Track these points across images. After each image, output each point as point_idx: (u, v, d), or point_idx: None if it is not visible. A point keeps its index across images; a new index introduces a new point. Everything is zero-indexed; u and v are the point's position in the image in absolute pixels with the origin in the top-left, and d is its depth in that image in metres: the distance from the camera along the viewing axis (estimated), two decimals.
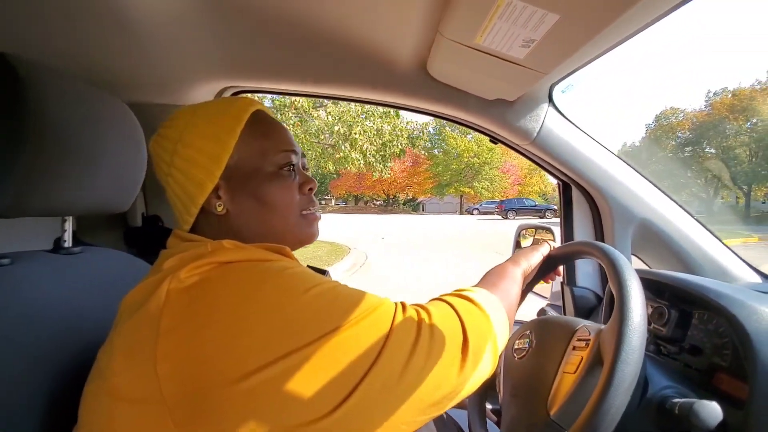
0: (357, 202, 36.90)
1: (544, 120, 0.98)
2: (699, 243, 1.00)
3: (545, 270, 0.69)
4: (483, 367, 0.46)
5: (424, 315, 0.44)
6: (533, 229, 1.41)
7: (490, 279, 0.59)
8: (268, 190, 0.52)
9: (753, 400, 0.52)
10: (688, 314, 0.68)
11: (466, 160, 28.58)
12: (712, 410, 0.45)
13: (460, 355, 0.44)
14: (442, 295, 0.52)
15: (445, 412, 0.75)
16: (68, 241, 0.65)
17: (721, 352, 0.63)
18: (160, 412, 0.36)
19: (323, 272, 0.61)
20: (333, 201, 37.40)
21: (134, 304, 0.41)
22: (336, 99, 1.07)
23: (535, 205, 23.14)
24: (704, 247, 0.99)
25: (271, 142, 0.53)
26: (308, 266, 0.58)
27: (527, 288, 0.67)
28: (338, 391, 0.37)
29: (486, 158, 27.99)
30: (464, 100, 0.97)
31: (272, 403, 0.36)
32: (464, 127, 1.12)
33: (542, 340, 0.63)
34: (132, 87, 0.94)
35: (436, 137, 30.05)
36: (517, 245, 1.38)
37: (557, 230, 1.24)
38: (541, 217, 21.05)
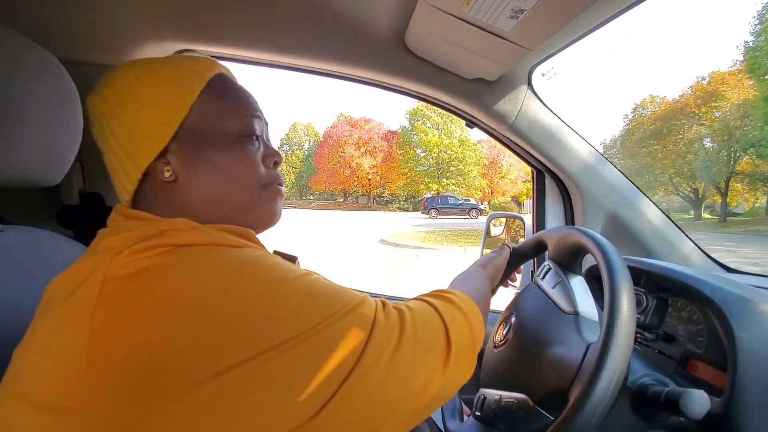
0: (346, 198, 36.39)
1: (523, 104, 0.96)
2: (664, 234, 1.02)
3: (510, 270, 0.73)
4: (465, 369, 0.44)
5: (406, 314, 0.41)
6: (503, 218, 1.42)
7: (461, 282, 0.59)
8: (228, 157, 0.45)
9: (734, 387, 0.52)
10: (665, 302, 0.68)
11: (435, 155, 27.96)
12: (701, 399, 0.44)
13: (444, 355, 0.41)
14: (421, 296, 0.49)
15: None
16: None
17: (695, 339, 0.63)
18: (90, 426, 0.29)
19: (292, 259, 0.54)
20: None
21: (61, 292, 0.34)
22: (302, 71, 0.99)
23: (460, 203, 22.60)
24: (669, 238, 1.02)
25: (234, 106, 0.47)
26: (275, 251, 0.52)
27: (493, 291, 0.69)
28: (315, 398, 0.32)
29: (456, 153, 27.43)
30: (442, 79, 0.92)
31: (234, 413, 0.30)
32: (440, 112, 1.07)
33: (523, 330, 0.60)
34: (67, 41, 0.81)
35: (411, 131, 29.41)
36: (488, 233, 1.37)
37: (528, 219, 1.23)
38: (473, 217, 20.75)
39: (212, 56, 0.96)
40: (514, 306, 0.67)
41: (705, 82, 20.48)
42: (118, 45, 0.84)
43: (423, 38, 0.82)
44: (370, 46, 0.89)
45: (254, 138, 0.47)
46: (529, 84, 0.95)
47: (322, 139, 35.61)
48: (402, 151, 29.67)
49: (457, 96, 0.95)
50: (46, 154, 0.57)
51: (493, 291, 0.69)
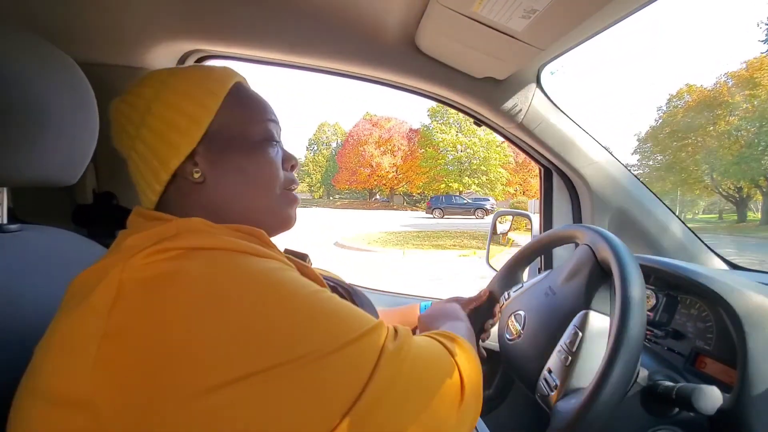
0: (371, 197, 36.06)
1: (531, 102, 0.96)
2: (672, 232, 1.02)
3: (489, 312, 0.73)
4: (474, 414, 0.43)
5: (415, 346, 0.40)
6: (509, 216, 1.42)
7: (442, 320, 0.59)
8: (253, 160, 0.47)
9: (744, 383, 0.53)
10: (674, 299, 0.69)
11: (455, 153, 27.23)
12: (714, 395, 0.45)
13: (458, 397, 0.40)
14: (427, 334, 0.48)
15: None
16: (2, 217, 0.56)
17: (704, 336, 0.64)
18: (95, 424, 0.29)
19: (303, 257, 0.55)
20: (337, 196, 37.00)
21: (81, 291, 0.34)
22: (312, 70, 0.99)
23: (465, 203, 21.66)
24: (677, 236, 1.02)
25: (255, 112, 0.49)
26: (286, 249, 0.53)
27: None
28: (316, 424, 0.32)
29: (478, 151, 26.33)
30: (452, 78, 0.93)
31: (235, 427, 0.30)
32: (453, 112, 1.07)
33: (536, 323, 0.61)
34: (82, 43, 0.82)
35: (432, 130, 28.62)
36: (494, 230, 1.38)
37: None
38: (479, 217, 20.15)
39: (223, 56, 0.98)
40: (522, 302, 0.68)
41: (745, 68, 17.99)
42: (132, 46, 0.84)
43: (434, 38, 0.82)
44: (380, 46, 0.90)
45: (275, 143, 0.50)
46: (538, 82, 0.96)
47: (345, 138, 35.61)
48: (423, 150, 29.12)
49: (466, 95, 0.95)
50: (65, 154, 0.57)
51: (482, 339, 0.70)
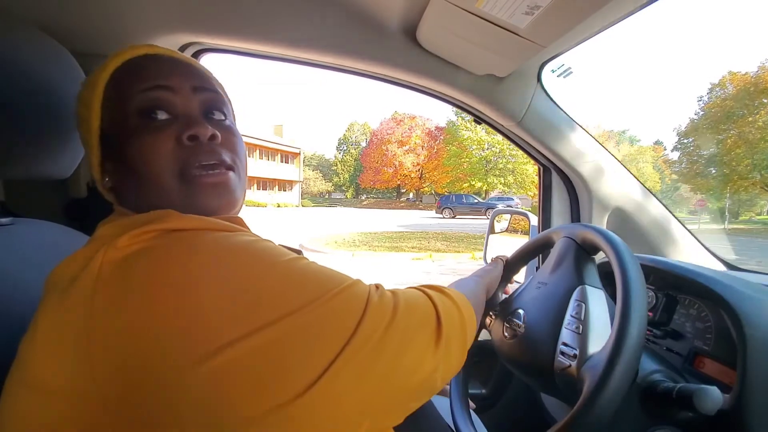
0: (399, 196, 36.13)
1: (532, 101, 0.96)
2: (670, 231, 1.03)
3: (504, 282, 0.75)
4: (456, 355, 0.44)
5: (400, 295, 0.41)
6: (508, 215, 1.42)
7: (457, 284, 0.60)
8: (134, 147, 0.40)
9: (744, 384, 0.53)
10: (673, 299, 0.69)
11: (479, 151, 26.91)
12: (715, 395, 0.45)
13: (435, 336, 0.41)
14: (414, 286, 0.49)
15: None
16: None
17: (703, 336, 0.64)
18: (92, 407, 0.29)
19: (298, 252, 0.54)
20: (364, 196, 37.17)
21: (62, 280, 0.34)
22: (311, 65, 0.98)
23: (475, 203, 20.90)
24: (673, 235, 1.03)
25: (130, 86, 0.41)
26: (280, 245, 0.52)
27: (488, 304, 0.71)
28: (309, 370, 0.32)
29: (504, 149, 25.59)
30: (453, 74, 0.92)
31: (238, 385, 0.30)
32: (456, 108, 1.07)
33: (537, 312, 0.61)
34: (78, 33, 0.80)
35: (456, 127, 28.17)
36: (492, 229, 1.38)
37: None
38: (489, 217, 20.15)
39: (221, 49, 0.96)
40: (517, 302, 0.68)
41: None
42: (128, 37, 0.83)
43: (435, 33, 0.81)
44: (380, 41, 0.89)
45: (153, 114, 0.40)
46: (539, 80, 0.95)
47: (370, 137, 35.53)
48: (448, 147, 28.76)
49: (466, 92, 0.94)
50: (58, 147, 0.57)
51: (490, 303, 0.71)
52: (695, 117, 21.53)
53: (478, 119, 1.04)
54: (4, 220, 0.54)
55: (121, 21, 0.81)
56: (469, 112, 1.03)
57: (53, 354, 0.31)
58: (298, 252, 0.54)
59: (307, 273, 0.36)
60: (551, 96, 0.98)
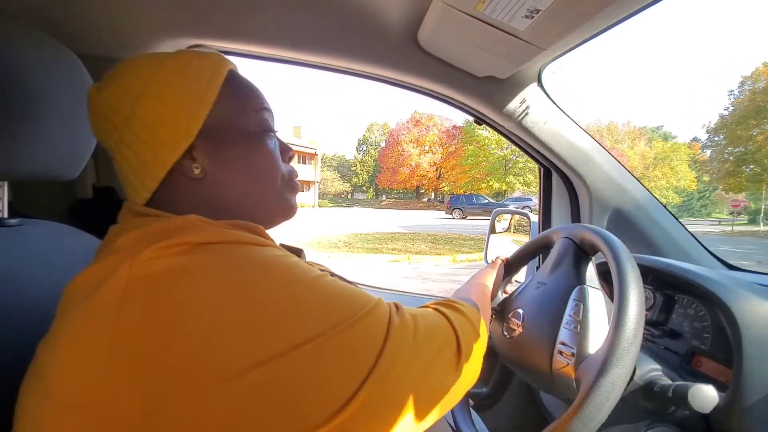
0: (419, 197, 35.89)
1: (532, 102, 0.96)
2: (668, 231, 1.03)
3: (505, 282, 0.76)
4: (474, 368, 0.46)
5: (419, 318, 0.42)
6: (508, 215, 1.43)
7: (465, 292, 0.62)
8: (254, 153, 0.46)
9: (739, 383, 0.53)
10: (671, 298, 0.69)
11: (496, 151, 26.26)
12: (710, 393, 0.46)
13: (455, 360, 0.43)
14: (428, 304, 0.50)
15: None
16: (3, 211, 0.56)
17: (701, 335, 0.64)
18: (116, 423, 0.29)
19: (298, 252, 0.55)
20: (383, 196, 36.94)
21: (84, 290, 0.34)
22: (314, 67, 0.99)
23: (486, 203, 20.55)
24: (673, 235, 1.03)
25: (251, 100, 0.47)
26: (281, 244, 0.53)
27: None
28: (337, 397, 0.33)
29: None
30: (453, 76, 0.93)
31: (256, 412, 0.30)
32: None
33: (536, 312, 0.62)
34: (83, 36, 0.82)
35: (475, 126, 27.45)
36: (492, 229, 1.38)
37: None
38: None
39: (225, 52, 0.97)
40: (517, 302, 0.68)
41: None
42: (133, 40, 0.84)
43: (436, 36, 0.82)
44: (382, 43, 0.90)
45: (272, 133, 0.49)
46: (539, 82, 0.96)
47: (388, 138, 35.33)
48: (465, 147, 28.37)
49: (467, 93, 0.95)
50: (65, 149, 0.57)
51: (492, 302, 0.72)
52: (725, 112, 20.52)
53: (479, 120, 1.05)
54: (12, 221, 0.55)
55: (127, 24, 0.83)
56: (469, 113, 1.04)
57: (77, 367, 0.31)
58: (299, 252, 0.55)
59: (331, 294, 0.37)
60: (551, 97, 0.99)
